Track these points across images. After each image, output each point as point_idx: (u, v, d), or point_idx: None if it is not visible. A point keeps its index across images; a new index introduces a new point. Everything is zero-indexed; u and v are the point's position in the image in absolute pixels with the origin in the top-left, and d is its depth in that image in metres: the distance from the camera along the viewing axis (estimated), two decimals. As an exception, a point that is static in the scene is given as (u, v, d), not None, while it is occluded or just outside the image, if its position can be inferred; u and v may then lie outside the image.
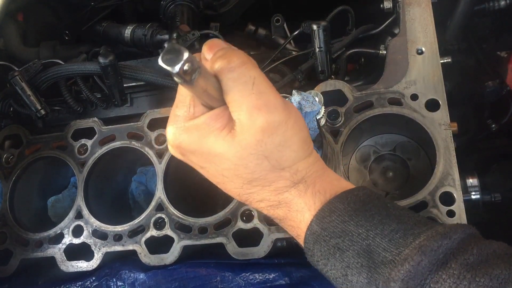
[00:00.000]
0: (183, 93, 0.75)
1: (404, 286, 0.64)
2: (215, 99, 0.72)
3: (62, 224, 1.31)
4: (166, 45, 1.46)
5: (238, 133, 0.72)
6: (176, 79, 0.63)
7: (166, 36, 1.50)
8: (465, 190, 1.36)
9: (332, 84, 1.22)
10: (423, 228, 0.70)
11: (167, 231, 1.24)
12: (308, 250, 0.76)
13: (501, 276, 0.62)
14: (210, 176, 0.79)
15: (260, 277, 1.16)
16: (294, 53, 1.50)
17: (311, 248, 0.75)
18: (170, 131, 0.76)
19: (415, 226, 0.71)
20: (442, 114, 1.12)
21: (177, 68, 0.60)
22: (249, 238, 1.18)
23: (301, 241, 0.78)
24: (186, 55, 0.60)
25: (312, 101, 1.04)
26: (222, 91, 0.71)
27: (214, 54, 0.72)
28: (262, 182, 0.75)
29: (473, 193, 1.37)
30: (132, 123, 1.35)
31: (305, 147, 0.78)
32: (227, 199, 1.21)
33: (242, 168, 0.73)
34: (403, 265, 0.65)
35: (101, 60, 1.34)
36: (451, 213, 1.06)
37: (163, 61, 0.61)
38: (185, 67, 0.61)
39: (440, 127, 1.12)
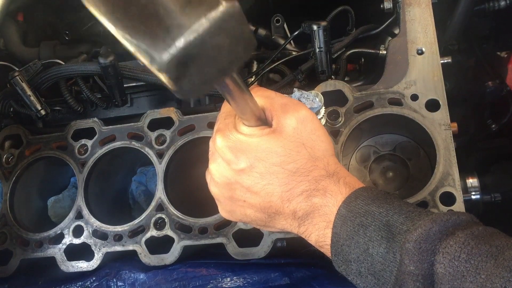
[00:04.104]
0: (227, 109, 0.93)
1: (417, 246, 0.73)
2: (255, 116, 0.86)
3: (62, 224, 1.31)
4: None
5: (277, 128, 0.87)
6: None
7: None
8: (465, 190, 1.36)
9: (332, 84, 1.22)
10: (435, 212, 0.82)
11: (167, 231, 1.24)
12: (335, 235, 0.83)
13: (500, 245, 0.70)
14: (258, 177, 0.87)
15: (260, 277, 1.16)
16: (294, 53, 1.49)
17: (338, 231, 0.83)
18: (219, 137, 0.88)
19: (428, 211, 0.81)
20: (442, 114, 1.12)
21: None
22: (249, 238, 1.18)
23: (330, 229, 0.85)
24: None
25: (312, 99, 1.05)
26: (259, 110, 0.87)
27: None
28: (303, 171, 0.86)
29: (473, 193, 1.37)
30: (132, 123, 1.35)
31: (331, 142, 0.93)
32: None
33: (286, 158, 0.85)
34: (416, 230, 0.75)
35: (101, 60, 1.34)
36: (451, 213, 1.06)
37: None
38: None
39: (440, 127, 1.12)
